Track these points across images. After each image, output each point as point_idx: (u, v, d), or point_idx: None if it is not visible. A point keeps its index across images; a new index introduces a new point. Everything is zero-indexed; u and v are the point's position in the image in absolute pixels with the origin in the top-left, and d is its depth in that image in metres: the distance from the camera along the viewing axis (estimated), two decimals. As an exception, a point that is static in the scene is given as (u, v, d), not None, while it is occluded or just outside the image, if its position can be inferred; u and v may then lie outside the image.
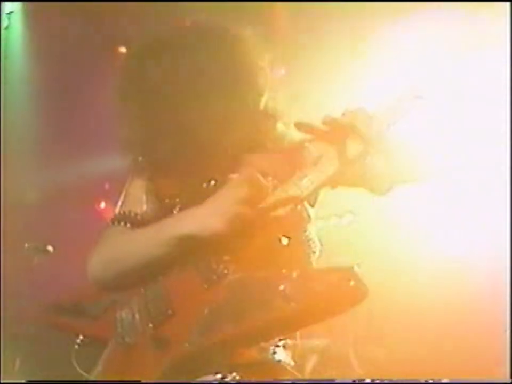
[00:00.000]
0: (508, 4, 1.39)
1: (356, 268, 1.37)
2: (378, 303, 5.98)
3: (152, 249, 1.51)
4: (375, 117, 1.42)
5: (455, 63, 1.49)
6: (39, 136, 6.93)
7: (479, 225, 5.69)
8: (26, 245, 5.61)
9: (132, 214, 1.70)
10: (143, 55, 1.78)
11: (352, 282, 1.34)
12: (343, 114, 1.43)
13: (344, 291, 1.36)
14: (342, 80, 5.61)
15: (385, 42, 5.51)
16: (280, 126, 1.81)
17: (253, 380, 1.52)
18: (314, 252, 1.73)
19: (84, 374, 1.63)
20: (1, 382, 3.61)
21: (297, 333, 1.70)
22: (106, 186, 5.42)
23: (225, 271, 1.47)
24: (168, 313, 1.52)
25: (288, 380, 1.54)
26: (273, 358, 1.60)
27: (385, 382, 1.70)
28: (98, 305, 1.67)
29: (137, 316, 1.57)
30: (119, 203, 1.79)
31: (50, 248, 5.39)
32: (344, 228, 5.58)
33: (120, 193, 1.83)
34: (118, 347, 1.58)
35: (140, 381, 1.47)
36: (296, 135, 1.72)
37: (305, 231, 1.71)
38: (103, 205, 6.58)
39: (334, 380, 1.69)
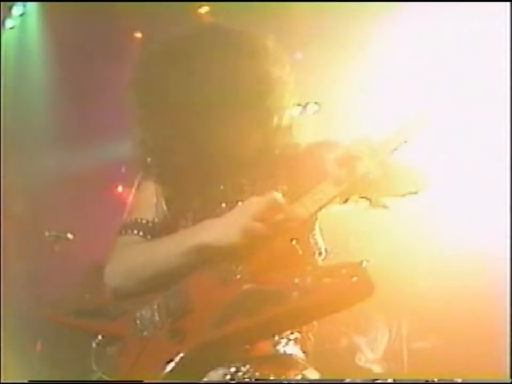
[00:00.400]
0: (508, 4, 1.43)
1: (364, 264, 1.44)
2: (376, 303, 6.03)
3: (172, 259, 1.60)
4: (379, 147, 1.50)
5: (455, 62, 1.55)
6: (57, 122, 6.98)
7: (479, 225, 5.76)
8: (46, 233, 5.63)
9: (143, 222, 1.77)
10: (162, 58, 1.75)
11: (355, 278, 1.42)
12: (349, 144, 1.51)
13: (350, 286, 1.43)
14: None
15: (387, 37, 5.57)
16: (294, 136, 1.81)
17: (266, 373, 1.57)
18: (320, 253, 1.78)
19: (102, 374, 1.66)
20: (1, 382, 3.64)
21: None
22: (123, 170, 5.44)
23: (242, 273, 1.54)
24: (186, 308, 1.57)
25: (287, 380, 1.58)
26: (285, 351, 1.64)
27: (386, 382, 1.72)
28: (118, 308, 1.71)
29: (156, 313, 1.62)
30: (129, 208, 1.88)
31: (70, 235, 5.45)
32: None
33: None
34: (135, 340, 1.63)
35: (142, 381, 1.53)
36: (310, 142, 1.82)
37: (312, 232, 1.77)
38: (120, 189, 6.69)
39: (334, 380, 1.73)
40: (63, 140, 6.65)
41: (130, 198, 1.92)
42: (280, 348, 1.64)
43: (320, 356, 1.79)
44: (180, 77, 1.68)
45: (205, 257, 1.57)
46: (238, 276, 1.55)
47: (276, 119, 1.73)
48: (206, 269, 1.60)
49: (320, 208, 1.56)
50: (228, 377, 1.56)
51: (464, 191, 5.69)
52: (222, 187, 1.75)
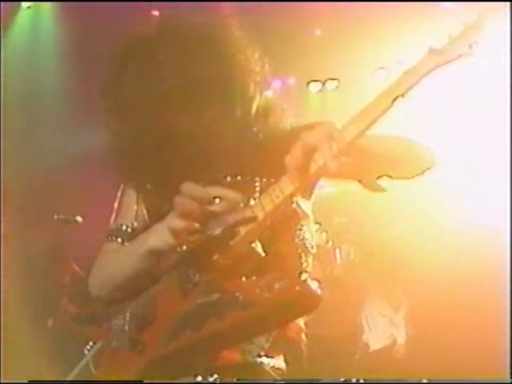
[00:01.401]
0: (508, 4, 1.42)
1: (304, 276, 1.41)
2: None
3: (133, 265, 1.61)
4: (338, 134, 1.44)
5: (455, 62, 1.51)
6: (67, 103, 7.13)
7: (478, 226, 5.70)
8: (55, 216, 5.63)
9: (123, 228, 1.77)
10: (120, 59, 1.71)
11: (297, 287, 1.38)
12: (307, 133, 1.46)
13: (292, 298, 1.39)
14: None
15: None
16: (272, 122, 1.76)
17: (235, 381, 1.55)
18: (307, 251, 1.71)
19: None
20: (1, 382, 3.67)
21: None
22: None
23: (198, 281, 1.51)
24: (148, 319, 1.57)
25: (286, 380, 1.58)
26: (255, 360, 1.59)
27: (386, 382, 1.66)
28: (105, 314, 1.73)
29: (127, 323, 1.63)
30: (113, 215, 1.84)
31: (79, 218, 5.44)
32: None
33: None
34: (107, 350, 1.66)
35: (142, 381, 1.53)
36: (288, 124, 1.77)
37: (299, 229, 1.70)
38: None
39: (334, 380, 1.83)
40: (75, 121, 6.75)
41: (115, 203, 1.87)
42: (250, 357, 1.59)
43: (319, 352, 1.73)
44: (139, 76, 1.65)
45: (160, 262, 1.56)
46: (196, 283, 1.52)
47: (242, 108, 1.69)
48: (170, 276, 1.58)
49: (277, 207, 1.50)
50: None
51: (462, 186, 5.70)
52: (200, 184, 1.66)
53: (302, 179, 1.45)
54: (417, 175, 1.71)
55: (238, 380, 1.54)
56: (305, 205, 1.71)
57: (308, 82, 7.84)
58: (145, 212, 1.77)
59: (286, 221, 1.63)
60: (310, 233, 1.73)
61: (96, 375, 1.67)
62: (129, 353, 1.56)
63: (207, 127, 1.66)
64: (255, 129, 1.71)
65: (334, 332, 5.70)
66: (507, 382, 3.22)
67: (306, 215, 1.72)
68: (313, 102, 8.16)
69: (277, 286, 1.38)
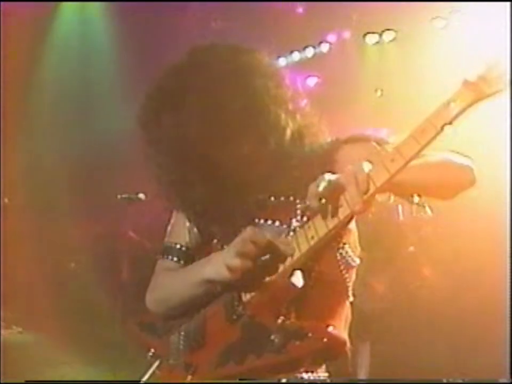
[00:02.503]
0: (508, 4, 1.41)
1: (330, 328, 1.56)
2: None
3: (187, 290, 1.73)
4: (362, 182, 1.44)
5: (455, 62, 1.52)
6: (120, 84, 7.55)
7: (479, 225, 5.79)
8: (118, 196, 5.72)
9: (178, 247, 1.88)
10: (161, 98, 1.75)
11: (325, 340, 1.52)
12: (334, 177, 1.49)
13: (320, 348, 1.54)
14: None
15: None
16: (307, 141, 1.80)
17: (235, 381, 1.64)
18: (350, 265, 1.77)
19: None
20: (1, 382, 3.64)
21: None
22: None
23: (243, 313, 1.64)
24: (201, 342, 1.71)
25: (287, 380, 1.64)
26: (296, 376, 1.67)
27: (386, 382, 1.74)
28: (164, 327, 1.86)
29: (182, 342, 1.76)
30: (168, 232, 1.94)
31: (142, 195, 5.45)
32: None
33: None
34: (165, 365, 1.80)
35: (139, 381, 1.71)
36: (325, 141, 1.82)
37: (341, 248, 1.75)
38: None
39: (334, 380, 1.79)
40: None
41: (171, 221, 1.97)
42: (292, 374, 1.67)
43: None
44: (175, 112, 1.69)
45: (214, 289, 1.68)
46: (240, 314, 1.64)
47: (275, 139, 1.72)
48: (218, 303, 1.71)
49: (312, 249, 1.57)
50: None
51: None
52: (244, 205, 1.78)
53: (336, 220, 1.51)
54: (454, 195, 1.71)
55: None
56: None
57: (364, 35, 7.69)
58: (196, 230, 1.87)
59: (328, 242, 1.67)
60: (353, 247, 1.79)
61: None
62: (184, 373, 1.71)
63: (243, 158, 1.73)
64: (291, 153, 1.76)
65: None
66: (507, 382, 3.27)
67: (348, 230, 1.77)
68: (370, 55, 8.07)
69: (309, 335, 1.53)
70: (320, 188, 1.46)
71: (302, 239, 1.58)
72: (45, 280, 8.54)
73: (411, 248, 6.90)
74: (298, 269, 1.58)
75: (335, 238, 1.70)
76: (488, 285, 5.28)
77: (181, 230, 1.90)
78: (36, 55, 8.95)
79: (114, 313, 5.92)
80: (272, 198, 1.77)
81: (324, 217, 1.51)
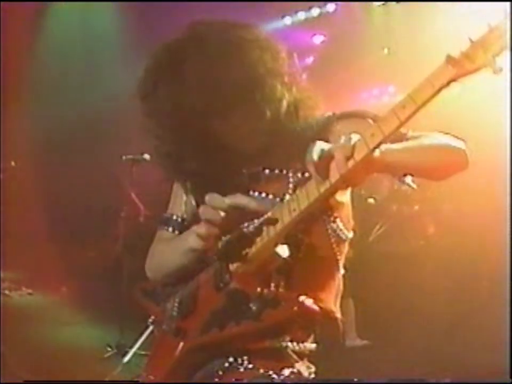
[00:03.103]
0: (508, 4, 1.37)
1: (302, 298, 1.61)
2: (378, 303, 6.06)
3: (176, 260, 1.79)
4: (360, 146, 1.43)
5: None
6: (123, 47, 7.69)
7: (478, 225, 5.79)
8: (123, 157, 5.78)
9: (174, 218, 1.94)
10: (159, 72, 1.75)
11: (295, 308, 1.60)
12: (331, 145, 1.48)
13: (292, 316, 1.61)
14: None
15: None
16: (302, 114, 1.79)
17: (263, 366, 1.69)
18: (341, 239, 1.78)
19: None
20: (1, 382, 3.81)
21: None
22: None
23: (229, 281, 1.69)
24: (190, 308, 1.78)
25: (287, 380, 1.66)
26: (281, 345, 1.72)
27: (386, 382, 1.77)
28: (163, 293, 1.92)
29: (176, 309, 1.82)
30: (170, 203, 2.00)
31: (147, 156, 5.40)
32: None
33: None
34: (158, 331, 1.89)
35: (137, 381, 1.70)
36: (320, 114, 1.81)
37: (332, 222, 1.76)
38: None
39: (334, 380, 1.87)
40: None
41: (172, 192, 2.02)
42: (277, 342, 1.71)
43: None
44: (172, 85, 1.71)
45: (200, 258, 1.72)
46: (226, 283, 1.69)
47: (271, 111, 1.72)
48: (208, 271, 1.76)
49: (293, 221, 1.58)
50: (220, 372, 1.71)
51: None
52: (238, 178, 1.80)
53: (324, 189, 1.49)
54: (446, 177, 1.71)
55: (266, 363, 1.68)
56: (340, 194, 1.74)
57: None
58: (194, 202, 1.90)
59: (319, 214, 1.70)
60: (345, 221, 1.80)
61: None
62: (174, 339, 1.77)
63: (239, 130, 1.75)
64: (286, 126, 1.76)
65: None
66: (507, 382, 3.22)
67: (340, 204, 1.77)
68: (377, 13, 8.00)
69: (282, 303, 1.59)
70: (314, 157, 1.47)
71: (285, 211, 1.59)
72: (54, 241, 8.66)
73: (416, 208, 6.96)
74: (284, 241, 1.61)
75: (326, 211, 1.73)
76: (488, 284, 5.30)
77: (178, 201, 1.95)
78: (38, 23, 8.93)
79: (122, 274, 6.00)
80: (266, 171, 1.79)
81: (316, 182, 1.52)
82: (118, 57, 8.59)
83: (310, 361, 1.78)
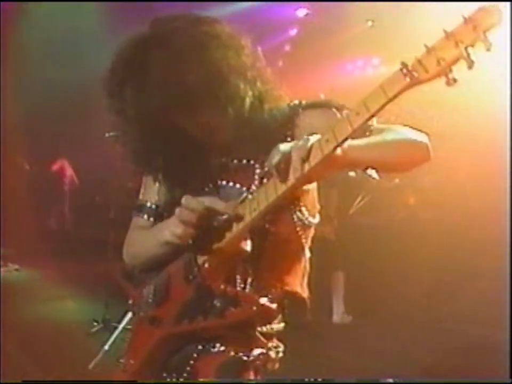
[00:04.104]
0: (508, 4, 1.35)
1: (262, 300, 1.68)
2: (360, 275, 6.14)
3: (151, 250, 1.85)
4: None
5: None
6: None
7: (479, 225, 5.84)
8: (106, 134, 5.81)
9: (148, 205, 1.98)
10: (121, 78, 1.75)
11: (254, 308, 1.68)
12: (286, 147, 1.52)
13: (252, 315, 1.69)
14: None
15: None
16: (267, 107, 1.81)
17: (234, 348, 1.78)
18: (306, 226, 1.84)
19: None
20: (1, 382, 3.86)
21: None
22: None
23: (197, 273, 1.76)
24: (165, 297, 1.84)
25: (288, 380, 1.77)
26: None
27: (386, 382, 1.82)
28: (140, 277, 1.97)
29: (151, 295, 1.89)
30: (141, 189, 2.03)
31: None
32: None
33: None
34: (136, 317, 1.96)
35: (136, 381, 1.85)
36: (286, 105, 1.83)
37: (298, 211, 1.81)
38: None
39: (334, 380, 1.87)
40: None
41: (143, 179, 2.04)
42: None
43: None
44: (137, 83, 1.71)
45: (174, 249, 1.77)
46: (195, 275, 1.76)
47: (234, 108, 1.74)
48: (178, 262, 1.82)
49: (254, 220, 1.63)
50: (194, 355, 1.80)
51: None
52: (208, 169, 1.85)
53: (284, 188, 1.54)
54: (409, 170, 1.74)
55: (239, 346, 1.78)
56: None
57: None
58: (166, 189, 1.94)
59: (285, 205, 1.75)
60: (310, 207, 1.85)
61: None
62: (150, 327, 1.85)
63: (204, 127, 1.78)
64: (251, 120, 1.78)
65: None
66: (507, 382, 3.23)
67: (306, 192, 1.81)
68: None
69: (242, 303, 1.68)
70: (274, 161, 1.51)
71: (246, 210, 1.65)
72: (40, 217, 8.69)
73: (396, 181, 7.03)
74: (249, 234, 1.69)
75: (291, 201, 1.79)
76: (488, 284, 5.35)
77: (151, 189, 1.99)
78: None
79: (107, 250, 6.06)
80: (235, 161, 1.84)
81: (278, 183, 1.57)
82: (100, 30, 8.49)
83: (279, 339, 1.88)
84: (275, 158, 1.51)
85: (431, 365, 4.67)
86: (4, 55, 8.67)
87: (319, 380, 1.87)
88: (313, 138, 1.48)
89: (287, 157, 1.50)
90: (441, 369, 4.56)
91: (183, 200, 1.67)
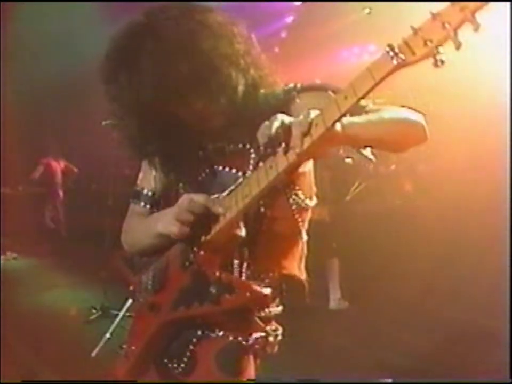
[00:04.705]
0: (508, 4, 1.36)
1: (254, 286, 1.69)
2: (357, 262, 6.17)
3: (147, 240, 1.86)
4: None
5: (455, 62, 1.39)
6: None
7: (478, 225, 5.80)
8: (103, 122, 5.82)
9: (145, 192, 2.00)
10: (115, 66, 1.76)
11: (248, 294, 1.69)
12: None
13: (246, 301, 1.70)
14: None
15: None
16: (261, 93, 1.82)
17: (233, 332, 1.80)
18: (302, 208, 1.85)
19: None
20: (1, 382, 3.86)
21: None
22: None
23: (193, 260, 1.79)
24: (162, 284, 1.87)
25: (288, 380, 1.78)
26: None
27: (385, 382, 1.83)
28: (140, 263, 2.00)
29: (150, 282, 1.91)
30: (139, 175, 2.05)
31: None
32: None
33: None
34: (135, 303, 1.99)
35: (135, 381, 1.87)
36: (281, 90, 1.83)
37: (294, 194, 1.83)
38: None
39: (333, 380, 1.92)
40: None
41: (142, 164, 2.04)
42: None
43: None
44: (132, 73, 1.71)
45: (168, 240, 1.78)
46: (191, 261, 1.78)
47: (226, 97, 1.75)
48: (175, 249, 1.84)
49: (247, 207, 1.65)
50: (194, 340, 1.83)
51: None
52: (203, 153, 1.87)
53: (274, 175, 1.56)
54: (406, 149, 1.75)
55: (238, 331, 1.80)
56: (302, 165, 1.75)
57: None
58: (162, 176, 1.97)
59: (281, 187, 1.76)
60: (306, 190, 1.86)
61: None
62: (149, 313, 1.87)
63: (198, 114, 1.79)
64: (245, 106, 1.79)
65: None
66: (507, 382, 3.23)
67: (302, 174, 1.83)
68: None
69: (236, 290, 1.68)
70: (273, 129, 1.51)
71: (239, 196, 1.66)
72: (38, 206, 8.69)
73: (392, 167, 7.06)
74: (245, 216, 1.71)
75: (287, 184, 1.80)
76: (488, 283, 5.30)
77: (147, 176, 2.01)
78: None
79: (105, 238, 6.08)
80: (231, 146, 1.85)
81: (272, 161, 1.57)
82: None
83: (278, 322, 1.90)
84: (274, 125, 1.50)
85: (427, 352, 4.69)
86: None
87: (319, 380, 1.90)
88: (313, 113, 1.47)
89: (286, 127, 1.50)
90: (439, 358, 4.58)
91: (180, 201, 1.70)
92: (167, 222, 1.71)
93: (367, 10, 8.12)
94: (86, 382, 3.68)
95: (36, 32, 8.97)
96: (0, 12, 6.90)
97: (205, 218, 1.69)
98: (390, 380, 1.94)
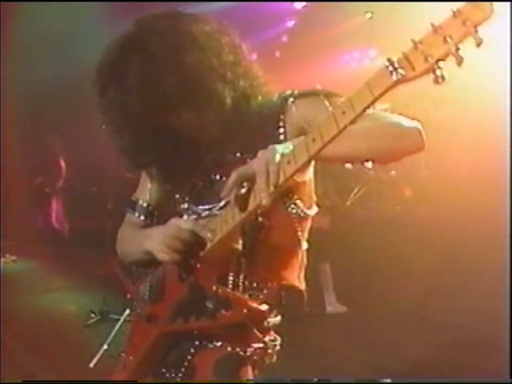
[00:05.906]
0: (508, 4, 1.32)
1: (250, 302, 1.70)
2: (356, 267, 6.16)
3: (138, 254, 1.87)
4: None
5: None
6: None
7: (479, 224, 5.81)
8: (103, 126, 5.80)
9: (140, 203, 2.01)
10: (105, 79, 1.76)
11: (245, 310, 1.69)
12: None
13: (243, 318, 1.70)
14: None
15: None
16: (254, 101, 1.80)
17: (231, 343, 1.80)
18: (301, 217, 1.83)
19: None
20: (1, 382, 3.86)
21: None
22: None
23: (190, 273, 1.78)
24: (160, 296, 1.87)
25: (287, 380, 1.78)
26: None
27: (385, 382, 1.83)
28: (138, 272, 1.99)
29: (147, 292, 1.92)
30: (139, 184, 2.06)
31: None
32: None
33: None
34: (134, 313, 1.99)
35: (136, 381, 1.87)
36: (274, 97, 1.82)
37: (293, 203, 1.81)
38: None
39: (333, 380, 1.92)
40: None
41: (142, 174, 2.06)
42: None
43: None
44: (119, 88, 1.71)
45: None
46: (188, 273, 1.78)
47: (213, 110, 1.73)
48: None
49: (224, 236, 1.65)
50: (192, 351, 1.83)
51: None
52: (201, 164, 1.86)
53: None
54: (402, 158, 1.70)
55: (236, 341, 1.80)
56: (301, 174, 1.74)
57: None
58: (158, 187, 1.98)
59: (279, 198, 1.71)
60: (306, 199, 1.84)
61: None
62: (147, 324, 1.87)
63: (187, 124, 1.78)
64: (237, 117, 1.77)
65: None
66: (507, 382, 3.21)
67: (301, 184, 1.80)
68: None
69: (233, 306, 1.68)
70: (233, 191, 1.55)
71: (218, 225, 1.67)
72: (37, 207, 8.68)
73: (392, 172, 7.06)
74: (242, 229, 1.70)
75: (286, 194, 1.79)
76: (488, 284, 5.27)
77: (144, 187, 2.02)
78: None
79: (105, 241, 6.09)
80: (229, 156, 1.83)
81: (237, 208, 1.59)
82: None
83: (276, 332, 1.89)
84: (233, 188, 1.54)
85: (426, 359, 4.68)
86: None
87: (319, 379, 1.86)
88: (295, 141, 1.49)
89: (248, 185, 1.53)
90: (438, 363, 4.56)
91: (168, 227, 1.72)
92: (156, 246, 1.72)
93: (369, 15, 8.12)
94: (86, 382, 3.67)
95: (36, 33, 8.98)
96: (0, 12, 6.89)
97: (195, 242, 1.70)
98: (388, 380, 1.93)
